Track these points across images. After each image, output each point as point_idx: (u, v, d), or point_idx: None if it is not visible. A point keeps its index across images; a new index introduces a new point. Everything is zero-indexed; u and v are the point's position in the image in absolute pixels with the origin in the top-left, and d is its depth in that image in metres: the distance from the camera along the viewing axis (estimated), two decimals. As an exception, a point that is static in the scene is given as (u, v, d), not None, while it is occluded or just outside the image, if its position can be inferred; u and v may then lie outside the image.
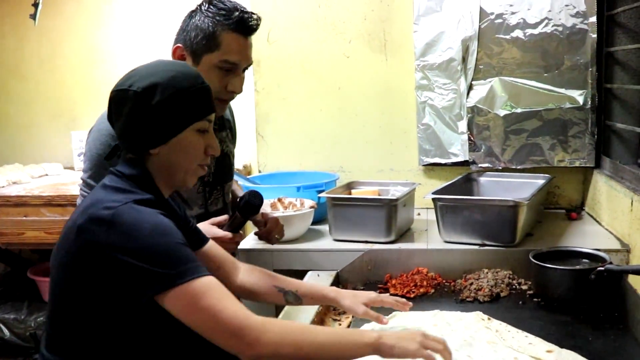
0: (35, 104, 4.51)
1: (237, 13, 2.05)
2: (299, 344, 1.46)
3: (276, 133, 3.61)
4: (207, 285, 1.46)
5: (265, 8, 3.51)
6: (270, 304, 2.10)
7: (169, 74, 1.60)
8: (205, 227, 2.04)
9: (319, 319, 2.16)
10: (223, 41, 2.05)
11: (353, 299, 1.92)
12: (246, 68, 2.14)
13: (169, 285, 1.43)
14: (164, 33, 3.82)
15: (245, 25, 2.06)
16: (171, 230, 1.51)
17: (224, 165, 2.33)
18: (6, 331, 3.90)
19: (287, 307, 2.20)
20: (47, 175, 4.20)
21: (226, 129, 2.39)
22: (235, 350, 1.43)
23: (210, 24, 2.05)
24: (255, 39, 3.48)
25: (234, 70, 2.09)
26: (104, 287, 1.49)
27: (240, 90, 2.13)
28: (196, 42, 2.06)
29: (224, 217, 2.13)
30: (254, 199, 2.04)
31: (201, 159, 1.68)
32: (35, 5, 4.07)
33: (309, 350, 1.46)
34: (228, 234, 2.06)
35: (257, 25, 2.11)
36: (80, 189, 2.11)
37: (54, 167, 4.30)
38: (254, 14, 2.10)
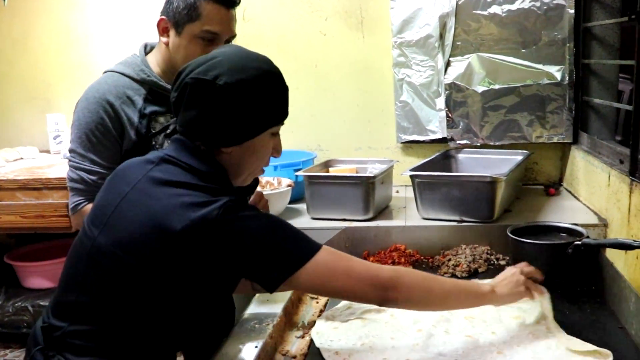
0: (9, 86, 4.42)
1: None
2: (428, 288, 1.60)
3: (253, 112, 3.57)
4: (330, 253, 1.53)
5: (241, -15, 3.46)
6: (240, 294, 2.07)
7: (258, 72, 1.52)
8: None
9: (296, 297, 2.15)
10: (204, 11, 2.04)
11: None
12: (230, 40, 2.13)
13: (302, 263, 1.47)
14: (140, 14, 3.78)
15: None
16: (276, 216, 1.55)
17: None
18: (-17, 317, 3.85)
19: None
20: (22, 158, 4.13)
21: None
22: (377, 299, 1.54)
23: None
24: (230, 16, 3.47)
25: (216, 40, 2.08)
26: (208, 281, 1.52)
27: None
28: (178, 12, 2.06)
29: None
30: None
31: (266, 162, 1.64)
32: (6, -16, 4.00)
33: (437, 295, 1.62)
34: None
35: None
36: (69, 160, 2.09)
37: (29, 151, 4.23)
38: None
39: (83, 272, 1.54)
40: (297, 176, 2.93)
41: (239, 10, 3.40)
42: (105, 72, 2.21)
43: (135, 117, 2.12)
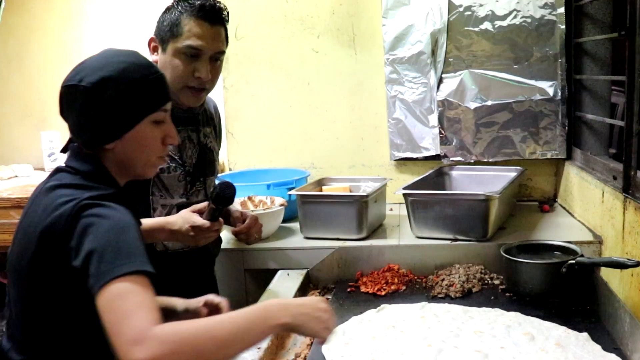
0: (3, 104, 4.41)
1: (199, 2, 2.11)
2: (198, 349, 1.29)
3: (246, 130, 3.57)
4: (132, 286, 1.32)
5: (233, 3, 3.45)
6: None
7: (120, 66, 1.55)
8: (187, 214, 2.06)
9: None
10: (185, 27, 2.10)
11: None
12: (217, 57, 2.16)
13: (106, 281, 1.31)
14: (134, 32, 3.77)
15: (206, 10, 2.10)
16: (126, 226, 1.43)
17: (206, 159, 2.33)
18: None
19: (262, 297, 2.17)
20: (16, 176, 4.12)
21: (210, 125, 2.40)
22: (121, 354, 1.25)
23: (176, 13, 2.11)
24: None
25: (200, 56, 2.11)
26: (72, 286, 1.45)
27: (206, 76, 2.13)
28: (163, 29, 2.13)
29: (205, 203, 2.11)
30: (226, 190, 2.01)
31: (160, 151, 1.64)
32: (-2, 3, 3.99)
33: (210, 352, 1.31)
34: (206, 223, 2.05)
35: (220, 11, 2.15)
36: None
37: (23, 169, 4.21)
38: (219, 2, 2.16)
39: (9, 289, 1.61)
40: (290, 195, 2.92)
41: (230, 28, 3.43)
42: None
43: None
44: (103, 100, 1.51)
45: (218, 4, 2.15)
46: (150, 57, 2.14)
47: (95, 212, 1.42)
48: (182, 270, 2.33)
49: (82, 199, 1.45)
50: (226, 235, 2.58)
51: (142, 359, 1.21)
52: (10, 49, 4.39)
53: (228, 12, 2.19)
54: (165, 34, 2.11)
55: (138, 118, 1.56)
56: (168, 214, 2.19)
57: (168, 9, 2.16)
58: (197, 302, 1.90)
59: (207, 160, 2.34)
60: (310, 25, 3.46)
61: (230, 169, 3.58)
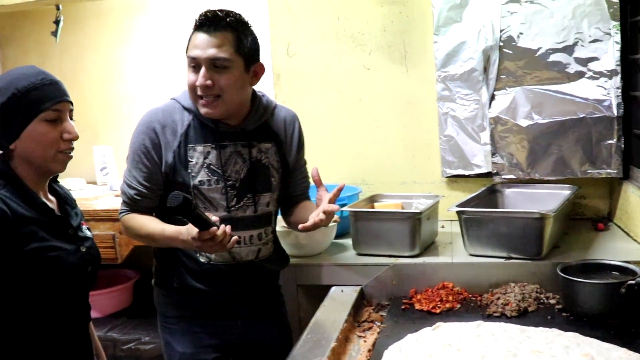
0: (57, 120, 4.51)
1: (203, 14, 2.19)
2: None
3: (297, 146, 3.59)
4: None
5: (285, 22, 3.51)
6: None
7: (10, 77, 1.82)
8: (190, 225, 2.04)
9: (344, 336, 2.13)
10: (189, 40, 2.21)
11: None
12: (216, 64, 2.17)
13: None
14: (183, 48, 3.82)
15: (202, 21, 2.17)
16: None
17: (257, 174, 2.35)
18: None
19: (311, 323, 2.19)
20: (70, 190, 4.20)
21: (272, 141, 2.41)
22: None
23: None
24: (274, 52, 3.51)
25: (199, 66, 2.17)
26: None
27: (201, 83, 2.17)
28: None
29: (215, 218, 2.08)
30: (168, 201, 1.91)
31: (58, 146, 1.84)
32: (57, 22, 4.10)
33: None
34: (195, 234, 2.02)
35: (219, 19, 2.17)
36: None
37: (76, 182, 4.30)
38: (221, 12, 2.19)
39: None
40: (342, 211, 2.93)
41: (282, 46, 3.47)
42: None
43: (175, 142, 2.27)
44: None
45: (220, 12, 2.18)
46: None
47: None
48: (239, 284, 2.36)
49: None
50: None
51: None
52: (65, 66, 4.51)
53: (237, 19, 2.20)
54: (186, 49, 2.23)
55: (28, 119, 1.79)
56: None
57: None
58: None
59: (258, 176, 2.35)
60: (361, 42, 3.48)
61: (281, 185, 3.60)
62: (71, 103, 1.91)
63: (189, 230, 2.03)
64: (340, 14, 3.47)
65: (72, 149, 1.90)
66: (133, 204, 2.33)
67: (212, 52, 2.15)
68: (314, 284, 2.72)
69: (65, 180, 4.23)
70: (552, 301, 2.36)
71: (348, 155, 3.56)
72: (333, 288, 2.60)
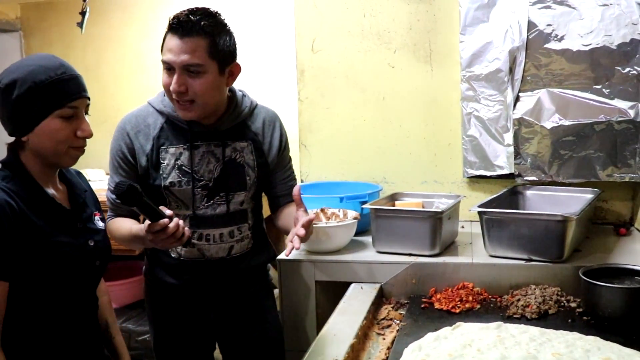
0: (80, 111, 4.54)
1: (177, 15, 2.17)
2: None
3: (319, 143, 3.60)
4: None
5: (310, 17, 3.50)
6: None
7: (29, 68, 1.79)
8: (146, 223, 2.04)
9: (363, 333, 2.13)
10: (163, 41, 2.21)
11: None
12: (192, 70, 2.16)
13: None
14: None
15: (176, 24, 2.15)
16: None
17: (231, 173, 2.37)
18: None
19: (330, 319, 2.19)
20: (90, 181, 4.22)
21: (248, 139, 2.42)
22: None
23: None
24: (299, 47, 3.51)
25: (173, 70, 2.17)
26: None
27: (175, 88, 2.17)
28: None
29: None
30: (116, 189, 1.91)
31: (70, 142, 1.85)
32: (83, 13, 4.12)
33: None
34: (145, 226, 2.02)
35: (193, 23, 2.14)
36: None
37: (96, 173, 4.33)
38: (194, 15, 2.15)
39: None
40: (362, 209, 2.92)
41: (307, 41, 3.47)
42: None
43: (148, 145, 2.31)
44: (12, 99, 1.77)
45: (195, 16, 2.15)
46: None
47: None
48: (209, 280, 2.40)
49: None
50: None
51: None
52: (88, 58, 4.54)
53: (211, 22, 2.17)
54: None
55: (44, 114, 1.79)
56: None
57: None
58: None
59: (233, 175, 2.38)
60: (387, 40, 3.47)
61: (302, 181, 3.60)
62: (88, 98, 1.91)
63: (146, 225, 2.03)
64: (366, 11, 3.46)
65: (85, 144, 1.92)
66: (116, 208, 2.38)
67: (184, 57, 2.14)
68: (333, 281, 2.71)
69: (85, 171, 4.26)
70: (573, 304, 2.35)
71: (369, 153, 3.55)
72: (352, 285, 2.61)
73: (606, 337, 1.98)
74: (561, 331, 2.04)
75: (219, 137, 2.35)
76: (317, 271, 2.73)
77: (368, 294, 2.49)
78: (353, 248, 2.87)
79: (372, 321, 2.29)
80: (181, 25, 2.13)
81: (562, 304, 2.36)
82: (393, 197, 3.12)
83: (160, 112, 2.34)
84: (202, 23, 2.14)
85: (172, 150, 2.31)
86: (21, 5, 4.75)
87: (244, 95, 2.45)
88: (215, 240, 2.39)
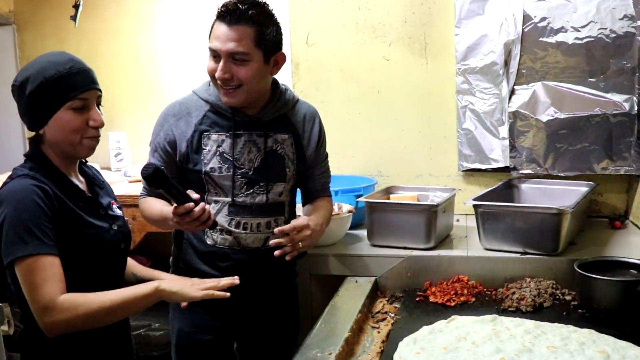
0: (74, 104, 4.52)
1: (225, 4, 2.18)
2: (90, 314, 1.78)
3: (314, 136, 3.58)
4: (34, 263, 1.74)
5: (305, 11, 3.49)
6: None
7: (40, 65, 1.87)
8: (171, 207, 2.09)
9: (358, 327, 2.13)
10: (211, 28, 2.22)
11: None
12: (235, 57, 2.17)
13: (17, 255, 1.74)
14: (204, 35, 3.82)
15: (224, 11, 2.17)
16: (31, 207, 1.77)
17: (271, 164, 2.36)
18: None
19: (325, 313, 2.18)
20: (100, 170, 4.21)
21: (289, 132, 2.42)
22: (39, 323, 1.75)
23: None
24: (294, 41, 3.50)
25: (219, 57, 2.19)
26: None
27: (220, 75, 2.19)
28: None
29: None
30: (143, 170, 1.96)
31: (83, 132, 1.90)
32: (76, 6, 4.09)
33: (100, 316, 1.81)
34: (171, 209, 2.08)
35: (241, 12, 2.15)
36: None
37: (91, 168, 4.31)
38: (243, 4, 2.15)
39: None
40: (357, 202, 2.92)
41: (302, 35, 3.46)
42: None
43: (189, 131, 2.31)
44: (26, 95, 1.86)
45: (243, 5, 2.15)
46: None
47: (7, 187, 1.82)
48: (243, 270, 2.36)
49: (14, 174, 1.87)
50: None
51: (48, 323, 1.73)
52: (82, 52, 4.49)
53: (259, 11, 2.18)
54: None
55: (55, 107, 1.86)
56: (219, 210, 2.32)
57: None
58: None
59: (272, 166, 2.36)
60: (382, 33, 3.46)
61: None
62: (99, 90, 1.95)
63: (170, 209, 2.07)
64: (361, 4, 3.45)
65: (99, 134, 1.96)
66: (149, 190, 2.40)
67: (231, 45, 2.15)
68: (328, 274, 2.71)
69: (81, 165, 4.25)
70: (568, 297, 2.35)
71: (364, 146, 3.55)
72: (347, 278, 2.61)
73: (601, 329, 1.99)
74: (556, 324, 2.04)
75: (262, 127, 2.35)
76: (312, 265, 2.73)
77: (363, 287, 2.48)
78: (348, 241, 2.87)
79: (367, 315, 2.29)
80: (229, 13, 2.15)
81: (557, 296, 2.36)
82: (388, 191, 3.11)
83: (205, 101, 2.35)
84: (250, 12, 2.15)
85: (214, 137, 2.31)
86: (14, -1, 4.73)
87: (286, 89, 2.45)
88: (252, 230, 2.37)
